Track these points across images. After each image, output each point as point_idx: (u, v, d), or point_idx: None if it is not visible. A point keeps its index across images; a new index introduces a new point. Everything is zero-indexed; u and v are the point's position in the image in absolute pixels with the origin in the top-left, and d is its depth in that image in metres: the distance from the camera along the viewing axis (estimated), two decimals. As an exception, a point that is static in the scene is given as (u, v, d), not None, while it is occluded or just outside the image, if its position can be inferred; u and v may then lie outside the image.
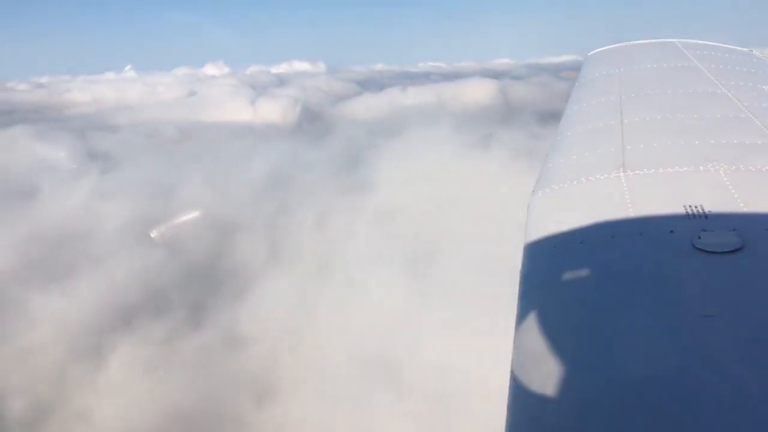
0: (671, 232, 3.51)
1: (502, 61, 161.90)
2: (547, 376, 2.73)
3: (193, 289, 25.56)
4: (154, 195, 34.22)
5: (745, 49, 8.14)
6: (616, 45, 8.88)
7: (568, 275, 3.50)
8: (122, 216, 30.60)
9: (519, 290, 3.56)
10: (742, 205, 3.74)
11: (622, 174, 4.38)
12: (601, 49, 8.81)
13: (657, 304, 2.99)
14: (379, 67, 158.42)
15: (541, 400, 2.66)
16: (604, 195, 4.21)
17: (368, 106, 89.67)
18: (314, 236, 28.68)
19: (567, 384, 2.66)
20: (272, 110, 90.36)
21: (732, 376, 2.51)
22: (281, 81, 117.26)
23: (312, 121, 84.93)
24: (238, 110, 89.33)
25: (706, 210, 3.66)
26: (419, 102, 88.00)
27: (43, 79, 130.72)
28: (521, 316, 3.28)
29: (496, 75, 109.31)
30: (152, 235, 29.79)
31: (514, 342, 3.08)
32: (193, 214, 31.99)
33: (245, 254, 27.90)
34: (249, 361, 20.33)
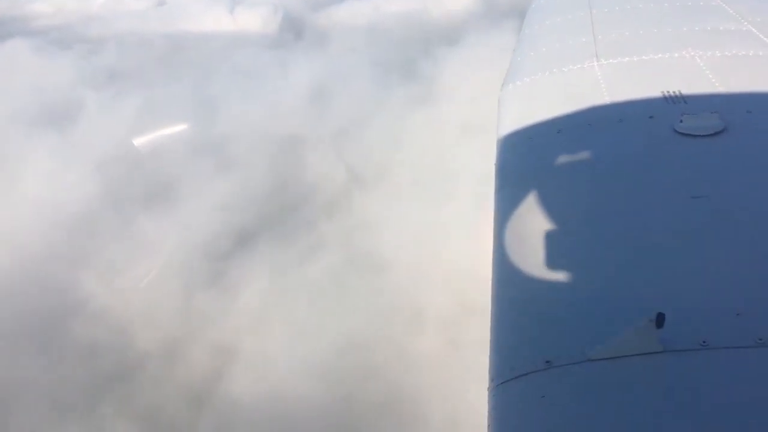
0: (651, 117, 3.35)
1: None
2: (529, 270, 2.53)
3: (296, 210, 24.06)
4: (201, 112, 31.88)
5: None
6: None
7: (546, 165, 3.27)
8: (187, 135, 28.35)
9: (495, 184, 3.29)
10: (720, 89, 3.55)
11: (595, 63, 4.16)
12: None
13: (644, 189, 2.85)
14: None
15: (524, 294, 2.50)
16: (578, 84, 3.99)
17: (354, 12, 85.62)
18: (400, 153, 27.18)
19: (552, 276, 2.46)
20: (252, 19, 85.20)
21: (726, 255, 2.40)
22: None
23: (296, 30, 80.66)
24: (217, 20, 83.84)
25: (685, 95, 3.48)
26: (408, 8, 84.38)
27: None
28: (500, 210, 3.07)
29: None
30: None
31: (494, 237, 2.85)
32: (257, 132, 29.94)
33: (331, 173, 26.33)
34: (390, 287, 19.22)
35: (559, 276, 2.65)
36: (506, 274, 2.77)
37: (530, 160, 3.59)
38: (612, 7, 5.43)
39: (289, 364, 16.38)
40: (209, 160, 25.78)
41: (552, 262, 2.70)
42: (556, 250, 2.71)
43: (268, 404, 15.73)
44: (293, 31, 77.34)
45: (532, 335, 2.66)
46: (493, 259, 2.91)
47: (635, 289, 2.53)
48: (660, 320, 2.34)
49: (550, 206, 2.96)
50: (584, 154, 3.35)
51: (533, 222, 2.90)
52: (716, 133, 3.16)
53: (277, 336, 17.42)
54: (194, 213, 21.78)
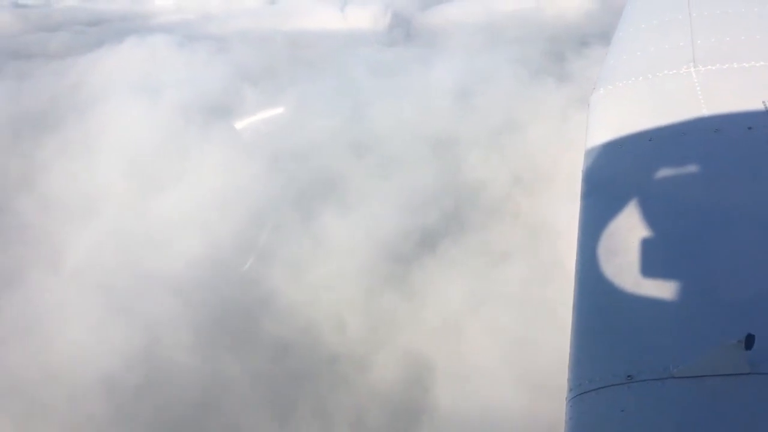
0: (750, 128, 3.14)
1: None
2: (614, 281, 2.49)
3: (466, 213, 22.87)
4: (349, 110, 31.12)
5: None
6: None
7: (636, 174, 3.13)
8: (344, 132, 27.62)
9: (581, 191, 3.22)
10: None
11: (692, 69, 3.91)
12: None
13: (740, 203, 2.69)
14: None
15: (608, 305, 2.49)
16: (673, 91, 3.78)
17: (464, 11, 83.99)
18: (567, 154, 25.53)
19: (638, 289, 2.40)
20: (363, 17, 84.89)
21: None
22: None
23: (405, 27, 79.76)
24: (328, 18, 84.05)
25: None
26: (517, 8, 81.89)
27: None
28: (586, 218, 3.00)
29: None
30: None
31: (578, 245, 2.79)
32: (410, 131, 28.93)
33: (495, 175, 25.00)
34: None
35: (646, 288, 2.49)
36: (590, 283, 2.65)
37: (619, 169, 3.39)
38: (712, 11, 5.01)
39: (499, 378, 15.18)
40: (372, 159, 24.92)
41: (638, 273, 2.55)
42: (643, 261, 2.56)
43: (478, 419, 14.59)
44: (403, 29, 76.66)
45: (614, 348, 2.50)
46: (576, 268, 2.78)
47: (725, 308, 2.38)
48: (750, 342, 2.15)
49: (638, 216, 2.78)
50: (677, 165, 3.12)
51: (620, 232, 2.75)
52: None
53: (480, 346, 16.27)
54: (372, 212, 20.93)
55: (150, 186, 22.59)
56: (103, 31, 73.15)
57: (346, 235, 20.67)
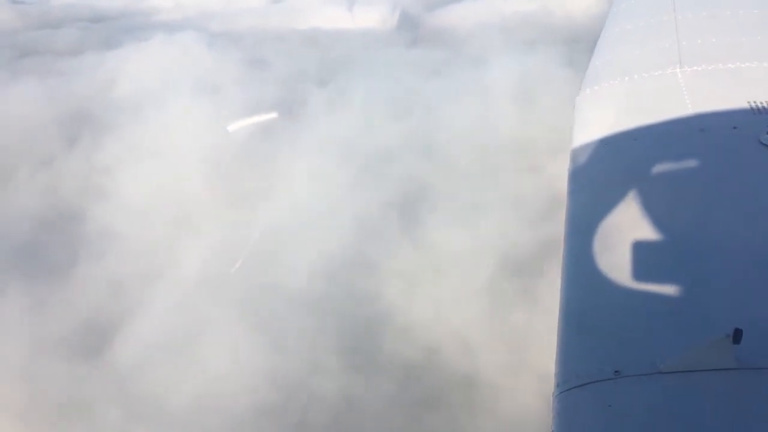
0: (735, 128, 3.18)
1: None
2: (600, 277, 2.47)
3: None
4: (408, 111, 29.71)
5: None
6: None
7: (621, 172, 3.19)
8: (413, 134, 26.15)
9: (567, 189, 3.23)
10: None
11: (678, 70, 3.93)
12: None
13: (725, 201, 2.76)
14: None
15: (594, 301, 2.48)
16: (658, 91, 3.82)
17: (469, 12, 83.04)
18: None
19: (624, 284, 2.38)
20: (371, 17, 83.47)
21: None
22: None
23: (413, 29, 78.51)
24: (336, 17, 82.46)
25: None
26: (525, 9, 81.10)
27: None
28: (572, 215, 3.03)
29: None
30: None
31: (564, 242, 2.82)
32: (479, 134, 27.57)
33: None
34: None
35: (632, 284, 2.47)
36: (576, 279, 2.63)
37: (605, 167, 3.36)
38: (698, 13, 5.07)
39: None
40: (461, 164, 23.50)
41: (624, 269, 2.53)
42: (629, 258, 2.53)
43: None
44: (410, 29, 75.36)
45: (601, 343, 2.49)
46: (563, 264, 2.74)
47: (712, 303, 2.37)
48: (737, 336, 2.13)
49: (624, 214, 2.75)
50: (662, 163, 3.09)
51: (606, 229, 2.72)
52: None
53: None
54: (483, 220, 19.50)
55: (239, 193, 20.90)
56: (109, 28, 70.79)
57: (457, 245, 19.21)
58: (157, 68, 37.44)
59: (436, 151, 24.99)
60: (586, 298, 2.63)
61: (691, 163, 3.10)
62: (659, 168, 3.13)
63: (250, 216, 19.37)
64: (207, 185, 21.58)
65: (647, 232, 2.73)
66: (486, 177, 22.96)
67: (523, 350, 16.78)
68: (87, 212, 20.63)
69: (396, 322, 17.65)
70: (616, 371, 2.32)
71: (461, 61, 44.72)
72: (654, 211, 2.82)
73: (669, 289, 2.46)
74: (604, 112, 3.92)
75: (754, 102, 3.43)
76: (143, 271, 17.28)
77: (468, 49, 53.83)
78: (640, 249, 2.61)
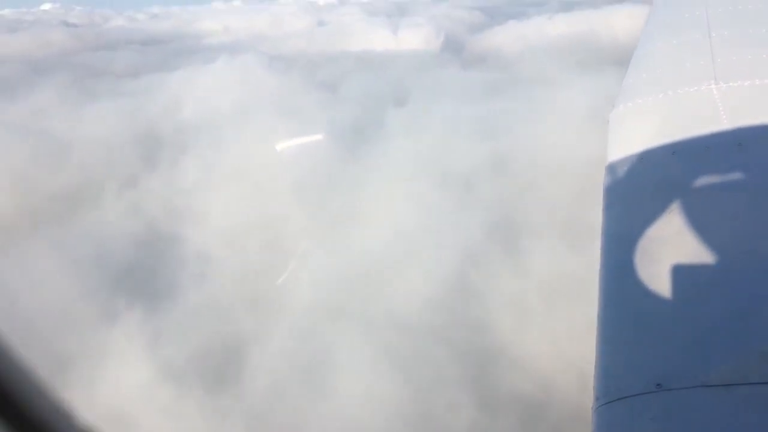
0: None
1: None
2: (640, 290, 2.44)
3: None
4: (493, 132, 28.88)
5: None
6: None
7: (658, 186, 3.07)
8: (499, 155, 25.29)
9: (603, 203, 3.15)
10: None
11: (713, 86, 3.83)
12: None
13: (765, 215, 2.64)
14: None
15: (634, 313, 2.44)
16: (694, 107, 3.72)
17: (515, 35, 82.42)
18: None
19: (665, 297, 2.34)
20: (416, 40, 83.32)
21: None
22: (400, 9, 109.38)
23: (459, 51, 78.06)
24: (383, 39, 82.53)
25: None
26: (571, 31, 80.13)
27: (154, 9, 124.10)
28: (609, 228, 2.95)
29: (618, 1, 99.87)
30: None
31: (602, 255, 2.76)
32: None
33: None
34: None
35: (672, 297, 2.38)
36: (615, 293, 2.56)
37: (641, 181, 3.26)
38: (732, 29, 4.87)
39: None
40: (539, 184, 22.48)
41: (663, 283, 2.43)
42: (668, 271, 2.43)
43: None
44: (455, 51, 74.84)
45: (642, 356, 2.38)
46: (600, 278, 2.68)
47: (754, 316, 2.26)
48: None
49: (661, 227, 2.68)
50: (700, 177, 3.00)
51: (644, 242, 2.63)
52: None
53: None
54: (582, 245, 18.42)
55: (333, 216, 20.24)
56: (163, 51, 71.77)
57: (563, 271, 18.21)
58: (226, 89, 37.35)
59: (521, 172, 24.13)
60: (625, 311, 2.55)
61: (730, 177, 3.05)
62: (696, 182, 3.07)
63: (351, 240, 18.65)
64: (298, 208, 20.95)
65: (686, 246, 2.64)
66: (577, 199, 21.98)
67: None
68: (181, 234, 20.14)
69: (511, 353, 16.73)
70: (657, 384, 2.23)
71: (521, 82, 44.08)
72: (692, 225, 2.74)
73: (710, 303, 2.40)
74: (639, 128, 3.83)
75: None
76: (250, 296, 16.63)
77: (524, 71, 53.25)
78: (679, 262, 2.54)
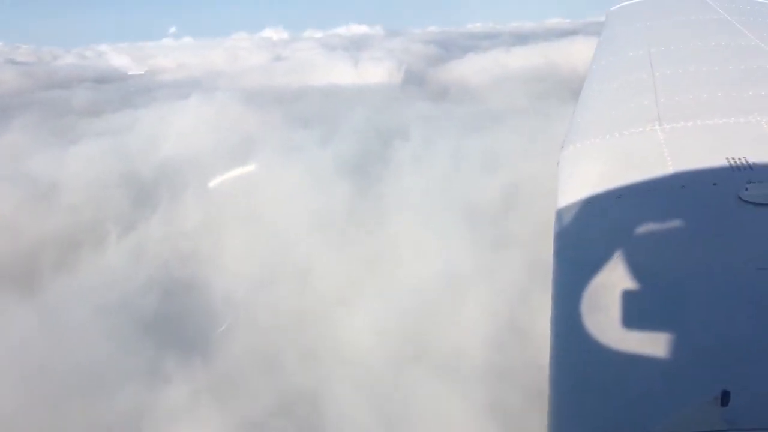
0: (714, 184, 3.17)
1: (556, 20, 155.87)
2: (588, 339, 2.44)
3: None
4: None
5: None
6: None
7: (606, 231, 3.14)
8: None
9: (553, 248, 3.14)
10: None
11: (657, 127, 3.94)
12: (623, 4, 8.31)
13: (708, 259, 2.68)
14: (433, 28, 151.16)
15: (582, 363, 2.42)
16: (639, 148, 3.80)
17: (476, 68, 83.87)
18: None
19: (612, 346, 2.37)
20: (377, 73, 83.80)
21: None
22: (356, 44, 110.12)
23: (421, 84, 78.80)
24: (345, 73, 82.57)
25: (750, 161, 3.28)
26: (531, 63, 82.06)
27: (102, 47, 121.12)
28: (559, 276, 2.94)
29: (571, 33, 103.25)
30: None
31: (552, 303, 2.75)
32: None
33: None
34: None
35: (620, 346, 2.40)
36: (564, 341, 2.54)
37: (590, 226, 3.29)
38: (675, 69, 5.02)
39: None
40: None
41: (611, 331, 2.45)
42: (616, 319, 2.46)
43: None
44: (417, 83, 75.32)
45: (591, 406, 2.38)
46: (551, 326, 2.64)
47: (698, 365, 2.30)
48: (725, 398, 2.12)
49: (610, 274, 2.70)
50: (646, 221, 3.04)
51: (593, 289, 2.65)
52: None
53: None
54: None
55: (363, 256, 19.35)
56: (119, 88, 69.94)
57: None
58: (206, 126, 36.24)
59: (527, 203, 23.83)
60: (576, 359, 2.54)
61: (674, 221, 3.08)
62: (642, 227, 3.09)
63: (391, 284, 17.74)
64: (320, 247, 20.00)
65: (632, 293, 2.66)
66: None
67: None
68: (201, 279, 18.84)
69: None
70: None
71: (494, 113, 44.41)
72: (639, 271, 2.76)
73: (657, 350, 2.41)
74: (587, 170, 3.84)
75: (733, 158, 3.42)
76: (297, 345, 15.50)
77: (493, 102, 53.86)
78: (625, 310, 2.55)
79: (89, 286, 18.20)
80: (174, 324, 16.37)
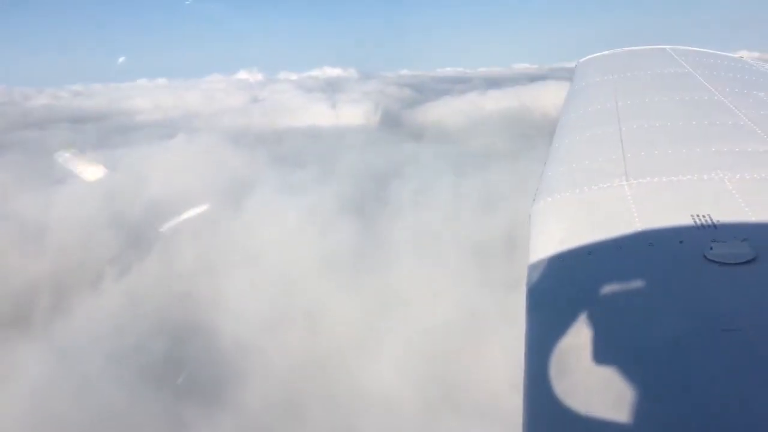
0: (681, 242, 3.30)
1: (523, 66, 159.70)
2: (560, 396, 2.52)
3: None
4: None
5: (736, 56, 7.70)
6: (607, 52, 8.53)
7: (577, 288, 3.22)
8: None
9: (526, 305, 3.25)
10: (750, 214, 3.55)
11: (625, 183, 4.12)
12: (593, 56, 8.55)
13: (674, 319, 2.77)
14: (405, 72, 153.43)
15: (554, 422, 2.47)
16: (608, 204, 3.96)
17: (453, 109, 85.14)
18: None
19: (583, 403, 2.45)
20: (355, 114, 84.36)
21: (760, 393, 2.34)
22: (331, 86, 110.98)
23: (397, 126, 79.46)
24: (323, 115, 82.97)
25: (715, 219, 3.45)
26: (506, 106, 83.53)
27: (76, 87, 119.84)
28: (531, 333, 3.05)
29: (540, 78, 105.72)
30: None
31: (525, 357, 2.85)
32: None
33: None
34: None
35: (590, 403, 2.40)
36: (537, 399, 2.54)
37: (561, 283, 3.30)
38: (641, 123, 5.26)
39: None
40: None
41: (583, 389, 2.47)
42: (587, 376, 2.50)
43: None
44: (394, 125, 75.96)
45: None
46: (524, 383, 2.66)
47: (663, 425, 2.28)
48: None
49: (582, 332, 2.74)
50: (616, 280, 3.09)
51: (563, 349, 2.70)
52: (747, 262, 2.96)
53: None
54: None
55: (379, 296, 19.00)
56: (97, 128, 68.99)
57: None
58: (193, 166, 35.78)
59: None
60: (547, 418, 2.53)
61: (643, 280, 3.12)
62: (612, 285, 3.13)
63: (406, 325, 17.37)
64: (330, 291, 19.59)
65: (602, 350, 2.69)
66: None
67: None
68: (207, 323, 18.22)
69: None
70: None
71: (477, 153, 44.93)
72: (608, 332, 2.78)
73: (625, 409, 2.40)
74: (557, 225, 3.88)
75: (698, 215, 3.52)
76: (319, 391, 14.95)
77: (472, 143, 54.53)
78: (596, 367, 2.59)
79: (95, 330, 17.47)
80: (187, 369, 15.71)
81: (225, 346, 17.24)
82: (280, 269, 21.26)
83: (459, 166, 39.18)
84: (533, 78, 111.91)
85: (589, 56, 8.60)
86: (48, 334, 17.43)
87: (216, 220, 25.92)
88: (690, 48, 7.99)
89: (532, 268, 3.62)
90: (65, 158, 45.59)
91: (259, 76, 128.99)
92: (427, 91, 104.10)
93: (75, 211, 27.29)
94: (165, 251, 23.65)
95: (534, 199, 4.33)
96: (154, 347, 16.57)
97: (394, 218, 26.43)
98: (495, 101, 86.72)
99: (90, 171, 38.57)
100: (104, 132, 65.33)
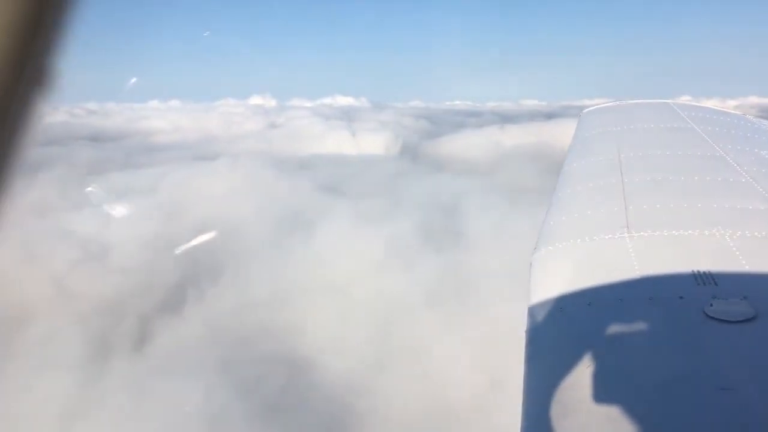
0: (681, 298, 3.23)
1: (532, 102, 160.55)
2: None
3: None
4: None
5: (738, 113, 7.67)
6: (611, 103, 8.50)
7: (576, 338, 3.17)
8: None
9: (525, 353, 3.21)
10: (750, 271, 3.50)
11: (626, 235, 4.10)
12: (597, 107, 8.50)
13: (672, 375, 2.73)
14: (417, 103, 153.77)
15: None
16: (609, 255, 3.92)
17: (472, 143, 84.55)
18: None
19: None
20: (375, 143, 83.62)
21: None
22: (345, 114, 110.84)
23: (417, 156, 78.65)
24: (343, 142, 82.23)
25: (715, 276, 3.38)
26: (526, 141, 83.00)
27: (90, 105, 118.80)
28: (529, 381, 3.01)
29: (551, 115, 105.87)
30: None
31: (523, 405, 2.80)
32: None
33: None
34: None
35: None
36: None
37: (560, 332, 3.28)
38: (643, 177, 5.12)
39: None
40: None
41: None
42: (583, 427, 2.49)
43: None
44: (413, 155, 75.00)
45: None
46: (521, 429, 2.65)
47: None
48: None
49: (580, 382, 2.71)
50: (614, 333, 3.07)
51: (561, 397, 2.67)
52: (746, 320, 2.93)
53: None
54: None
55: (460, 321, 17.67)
56: (118, 147, 67.93)
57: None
58: (239, 190, 34.60)
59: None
60: None
61: (642, 334, 3.01)
62: (611, 339, 2.99)
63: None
64: (428, 325, 18.21)
65: (599, 406, 2.56)
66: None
67: None
68: (314, 357, 16.76)
69: None
70: None
71: (502, 187, 43.99)
72: (605, 384, 2.66)
73: None
74: (558, 274, 3.82)
75: (698, 271, 3.44)
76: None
77: (497, 177, 53.47)
78: (590, 422, 2.48)
79: (184, 360, 16.00)
80: (302, 405, 14.21)
81: (333, 382, 15.79)
82: (369, 301, 19.91)
83: (509, 199, 38.15)
84: (544, 115, 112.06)
85: (593, 107, 8.62)
86: (139, 360, 15.96)
87: (283, 246, 24.63)
88: (692, 103, 8.04)
89: (532, 315, 3.55)
90: (107, 178, 44.10)
91: (273, 102, 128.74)
92: (441, 123, 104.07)
93: (131, 232, 25.89)
94: (239, 277, 22.27)
95: (535, 247, 4.25)
96: (271, 382, 15.07)
97: (473, 250, 25.24)
98: (514, 137, 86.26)
99: (136, 192, 37.30)
100: (128, 151, 64.17)
